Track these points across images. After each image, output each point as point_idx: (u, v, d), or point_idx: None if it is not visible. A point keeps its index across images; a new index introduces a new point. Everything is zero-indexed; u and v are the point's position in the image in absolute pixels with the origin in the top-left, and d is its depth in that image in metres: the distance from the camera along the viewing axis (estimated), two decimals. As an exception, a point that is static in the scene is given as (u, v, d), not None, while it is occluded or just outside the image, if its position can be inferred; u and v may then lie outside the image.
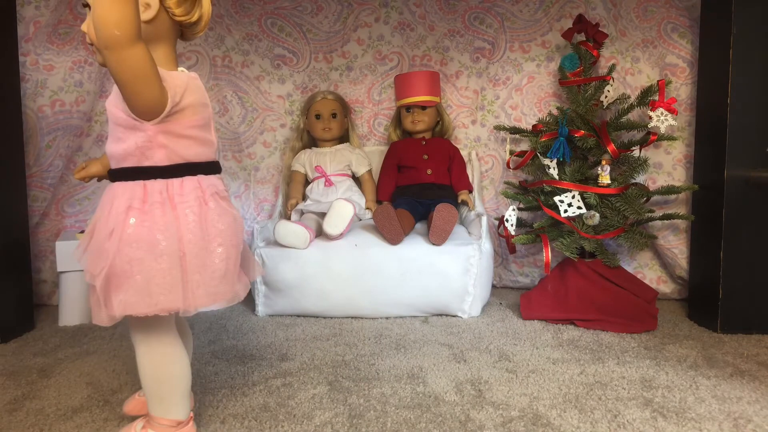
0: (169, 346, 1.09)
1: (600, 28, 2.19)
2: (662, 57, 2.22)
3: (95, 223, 1.04)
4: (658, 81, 2.03)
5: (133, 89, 0.94)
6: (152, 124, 1.00)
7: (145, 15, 1.00)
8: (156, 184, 1.02)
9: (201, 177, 1.07)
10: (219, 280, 1.05)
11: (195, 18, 1.10)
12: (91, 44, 1.02)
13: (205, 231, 1.03)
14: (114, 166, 1.05)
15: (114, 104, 1.01)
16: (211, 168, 1.10)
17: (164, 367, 1.08)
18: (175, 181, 1.03)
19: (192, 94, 1.04)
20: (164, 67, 1.02)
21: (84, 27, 1.04)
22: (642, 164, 2.01)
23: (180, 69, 1.09)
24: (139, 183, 1.02)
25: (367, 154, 2.48)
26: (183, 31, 1.11)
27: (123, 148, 1.01)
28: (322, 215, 2.13)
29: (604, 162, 1.98)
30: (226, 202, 1.11)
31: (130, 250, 0.98)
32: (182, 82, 1.02)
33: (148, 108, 0.97)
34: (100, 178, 1.22)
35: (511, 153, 2.26)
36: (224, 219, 1.07)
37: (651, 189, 2.09)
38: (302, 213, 2.26)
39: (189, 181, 1.05)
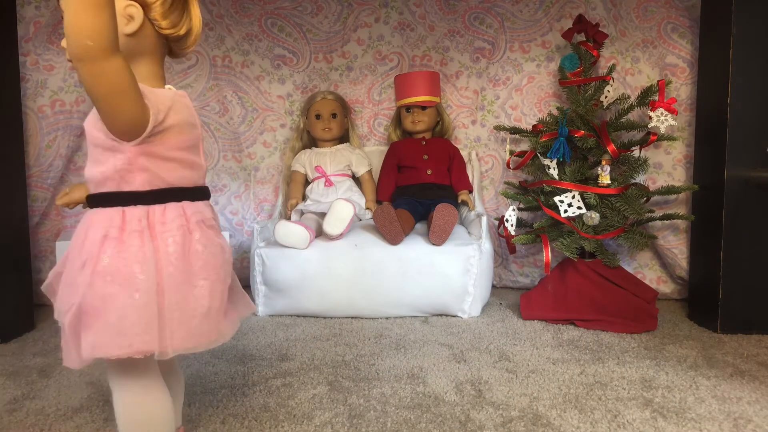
0: (148, 390, 0.97)
1: (600, 29, 2.19)
2: (662, 57, 2.22)
3: (68, 253, 0.95)
4: (658, 81, 2.03)
5: (110, 106, 0.85)
6: (132, 145, 0.90)
7: (128, 28, 0.92)
8: (135, 211, 0.92)
9: (186, 203, 0.97)
10: (201, 319, 0.93)
11: (183, 31, 1.00)
12: (70, 60, 0.89)
13: (187, 263, 0.94)
14: (93, 190, 0.96)
15: (92, 124, 0.92)
16: (198, 193, 1.02)
17: (140, 415, 0.96)
18: (156, 208, 0.94)
19: (178, 113, 0.95)
20: (149, 84, 0.94)
21: (64, 42, 0.90)
22: (642, 164, 2.01)
23: (167, 87, 1.00)
24: (118, 210, 0.92)
25: (367, 154, 2.48)
26: (171, 46, 1.02)
27: (101, 171, 0.92)
28: (322, 215, 2.13)
29: (604, 162, 1.98)
30: (214, 231, 1.02)
31: (103, 284, 0.88)
32: (167, 100, 0.94)
33: (128, 127, 0.88)
34: (84, 205, 1.07)
35: (511, 153, 2.26)
36: (210, 250, 0.97)
37: (651, 189, 2.09)
38: (302, 213, 2.26)
39: (172, 208, 0.95)
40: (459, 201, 2.31)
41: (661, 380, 1.47)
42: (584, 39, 2.17)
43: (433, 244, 2.00)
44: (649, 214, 2.02)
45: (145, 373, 0.97)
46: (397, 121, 2.47)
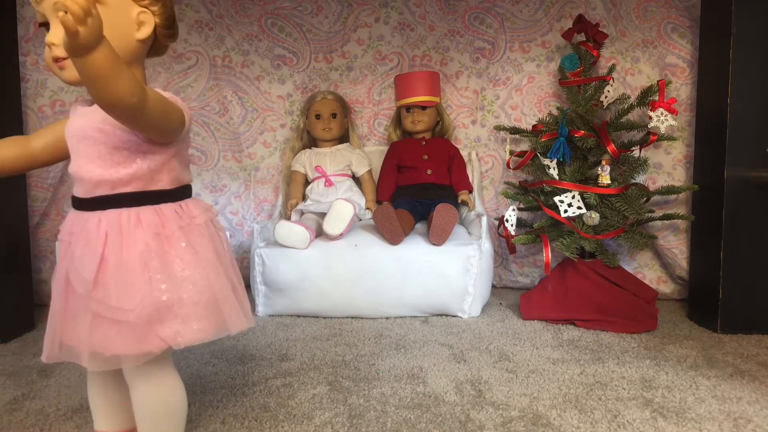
0: (175, 377, 1.03)
1: (600, 29, 2.19)
2: (662, 57, 2.22)
3: (105, 255, 0.94)
4: (658, 81, 2.03)
5: (161, 127, 0.92)
6: (170, 148, 0.97)
7: (140, 34, 0.96)
8: (170, 208, 0.98)
9: (197, 199, 1.05)
10: (229, 305, 1.01)
11: (175, 39, 1.06)
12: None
13: (218, 255, 1.01)
14: (107, 191, 0.96)
15: (119, 128, 0.92)
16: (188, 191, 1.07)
17: (172, 405, 1.01)
18: (182, 204, 1.01)
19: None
20: None
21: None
22: (642, 164, 2.01)
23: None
24: (150, 208, 0.96)
25: (367, 154, 2.48)
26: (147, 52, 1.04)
27: (129, 173, 0.94)
28: (322, 215, 2.13)
29: (604, 162, 1.98)
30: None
31: (182, 280, 0.95)
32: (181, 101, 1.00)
33: (174, 135, 0.96)
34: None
35: (511, 153, 2.26)
36: (225, 242, 1.06)
37: (651, 189, 2.09)
38: (302, 213, 2.26)
39: (194, 204, 1.02)
40: (459, 201, 2.31)
41: (661, 380, 1.47)
42: (584, 39, 2.17)
43: (433, 244, 2.00)
44: (649, 214, 2.02)
45: (170, 361, 1.02)
46: (397, 121, 2.47)
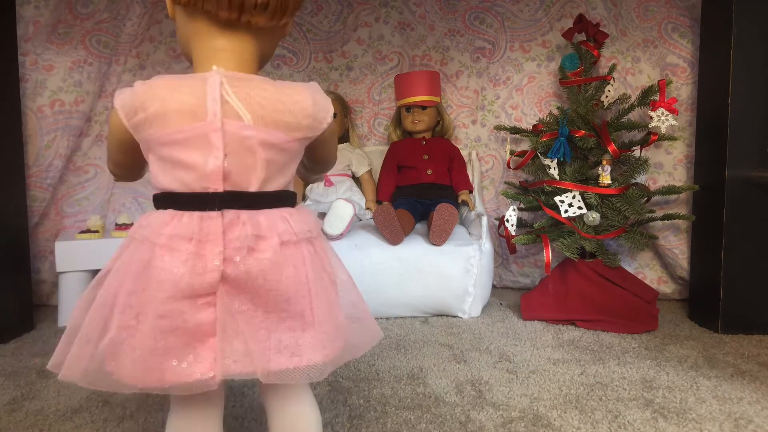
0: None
1: (600, 28, 2.18)
2: (663, 57, 2.21)
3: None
4: (658, 81, 2.03)
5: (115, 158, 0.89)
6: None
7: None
8: None
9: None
10: None
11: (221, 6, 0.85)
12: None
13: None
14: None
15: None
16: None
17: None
18: None
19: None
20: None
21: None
22: (642, 164, 2.01)
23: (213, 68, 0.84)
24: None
25: (367, 154, 2.47)
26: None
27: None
28: (322, 215, 2.12)
29: (604, 162, 1.98)
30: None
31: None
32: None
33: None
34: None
35: (512, 153, 2.26)
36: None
37: (652, 189, 2.09)
38: (302, 213, 2.25)
39: None
40: (459, 201, 2.31)
41: (661, 381, 1.47)
42: (585, 39, 2.16)
43: (434, 244, 2.00)
44: (650, 215, 2.02)
45: None
46: (397, 120, 2.47)
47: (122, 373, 0.75)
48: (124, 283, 0.77)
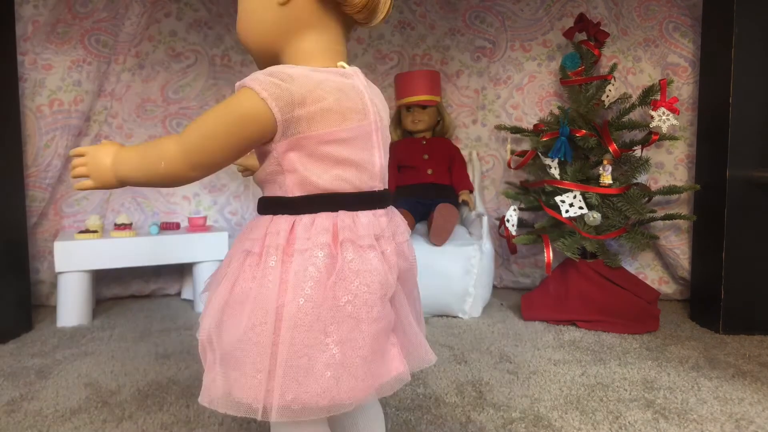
0: None
1: (601, 27, 2.18)
2: (664, 56, 2.21)
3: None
4: (659, 80, 2.02)
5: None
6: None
7: None
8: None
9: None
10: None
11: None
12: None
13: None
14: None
15: None
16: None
17: None
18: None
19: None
20: (310, 62, 0.80)
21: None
22: (643, 164, 2.00)
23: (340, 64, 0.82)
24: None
25: (367, 154, 2.46)
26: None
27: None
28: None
29: (605, 162, 1.97)
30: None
31: None
32: None
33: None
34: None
35: (512, 153, 2.25)
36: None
37: (653, 189, 2.08)
38: (302, 213, 2.25)
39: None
40: (459, 201, 2.30)
41: (662, 381, 1.46)
42: (585, 38, 2.16)
43: (434, 245, 1.99)
44: (651, 215, 2.01)
45: None
46: (398, 120, 2.46)
47: (340, 391, 0.70)
48: (313, 297, 0.70)
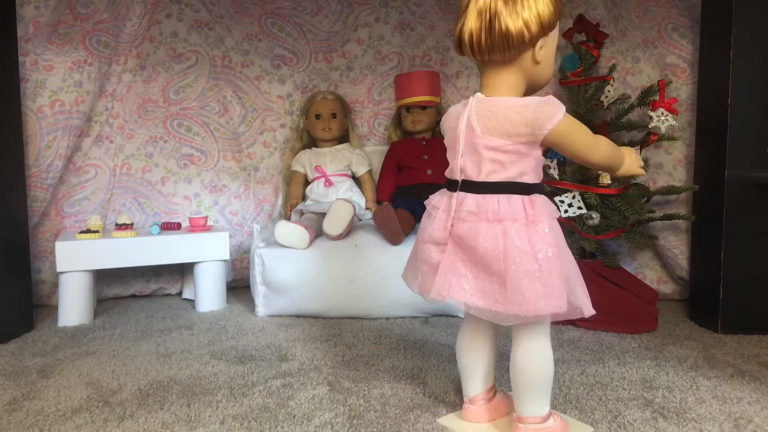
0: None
1: (600, 28, 2.18)
2: (663, 57, 2.21)
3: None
4: (658, 81, 2.02)
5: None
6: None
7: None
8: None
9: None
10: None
11: None
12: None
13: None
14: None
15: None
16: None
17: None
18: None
19: None
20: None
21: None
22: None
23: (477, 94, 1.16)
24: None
25: (367, 154, 2.47)
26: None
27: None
28: (322, 215, 2.12)
29: (604, 162, 1.98)
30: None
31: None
32: None
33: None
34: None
35: (512, 153, 2.25)
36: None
37: (651, 189, 2.09)
38: (302, 213, 2.26)
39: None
40: (459, 201, 2.30)
41: (661, 380, 1.47)
42: (585, 39, 2.16)
43: (434, 245, 1.99)
44: (650, 215, 2.02)
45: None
46: (397, 121, 2.47)
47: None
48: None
